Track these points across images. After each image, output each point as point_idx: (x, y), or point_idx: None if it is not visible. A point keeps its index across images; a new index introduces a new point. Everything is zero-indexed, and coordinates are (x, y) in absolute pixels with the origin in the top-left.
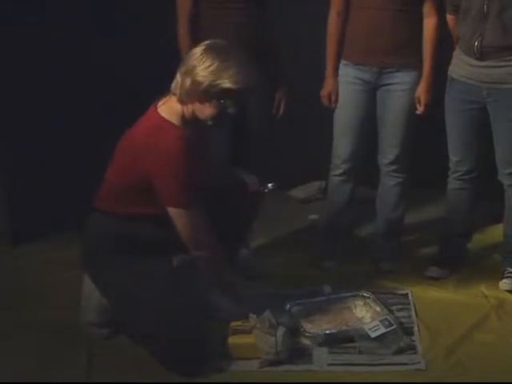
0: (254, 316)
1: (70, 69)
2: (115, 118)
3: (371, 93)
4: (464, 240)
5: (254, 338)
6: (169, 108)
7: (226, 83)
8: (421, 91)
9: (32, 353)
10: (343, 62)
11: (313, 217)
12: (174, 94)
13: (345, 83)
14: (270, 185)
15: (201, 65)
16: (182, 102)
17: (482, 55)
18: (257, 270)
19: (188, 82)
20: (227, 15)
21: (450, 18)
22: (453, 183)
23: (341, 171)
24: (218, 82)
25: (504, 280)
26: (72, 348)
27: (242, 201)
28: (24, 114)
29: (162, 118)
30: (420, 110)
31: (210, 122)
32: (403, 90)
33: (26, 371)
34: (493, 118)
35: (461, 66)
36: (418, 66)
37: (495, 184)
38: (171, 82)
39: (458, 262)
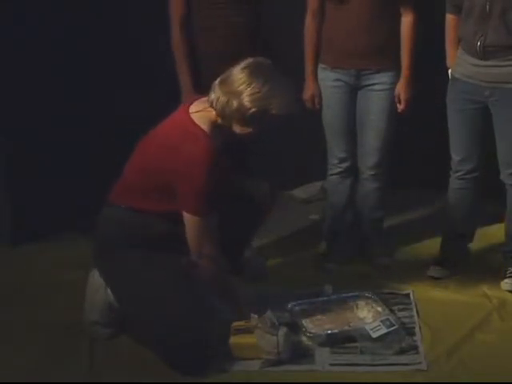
0: (256, 316)
1: (70, 69)
2: (116, 119)
3: (353, 93)
4: (466, 240)
5: (255, 338)
6: (203, 116)
7: (274, 109)
8: (400, 89)
9: (32, 353)
10: (321, 65)
11: (314, 217)
12: (212, 107)
13: (326, 86)
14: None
15: (248, 90)
16: (222, 118)
17: (484, 55)
18: (257, 271)
19: (234, 104)
20: (221, 14)
21: (450, 17)
22: (454, 183)
23: (339, 170)
24: (266, 108)
25: (506, 280)
26: (73, 348)
27: (248, 210)
28: (24, 114)
29: (195, 124)
30: (400, 108)
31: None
32: (383, 90)
33: (26, 371)
34: (495, 118)
35: (463, 66)
36: (395, 65)
37: (497, 184)
38: (172, 82)
39: (459, 262)
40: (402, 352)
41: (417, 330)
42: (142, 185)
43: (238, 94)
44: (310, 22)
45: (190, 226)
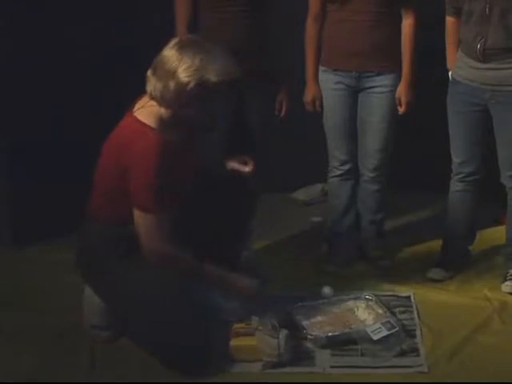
0: (257, 318)
1: (70, 70)
2: (116, 119)
3: (354, 95)
4: (466, 242)
5: (256, 340)
6: (147, 112)
7: (213, 77)
8: (401, 91)
9: (32, 353)
10: (322, 68)
11: (315, 219)
12: (153, 98)
13: (327, 89)
14: None
15: (181, 65)
16: (166, 106)
17: (484, 57)
18: (257, 273)
19: (172, 85)
20: (227, 17)
21: (450, 20)
22: (455, 185)
23: (340, 172)
24: (205, 77)
25: (506, 282)
26: (73, 350)
27: (237, 198)
28: (24, 114)
29: (140, 122)
30: (401, 110)
31: (202, 127)
32: (384, 93)
33: (26, 372)
34: (495, 120)
35: (463, 68)
36: (396, 67)
37: (498, 186)
38: None
39: (460, 264)
40: (402, 354)
41: (417, 332)
42: (109, 191)
43: (173, 73)
44: (311, 25)
45: (139, 223)
